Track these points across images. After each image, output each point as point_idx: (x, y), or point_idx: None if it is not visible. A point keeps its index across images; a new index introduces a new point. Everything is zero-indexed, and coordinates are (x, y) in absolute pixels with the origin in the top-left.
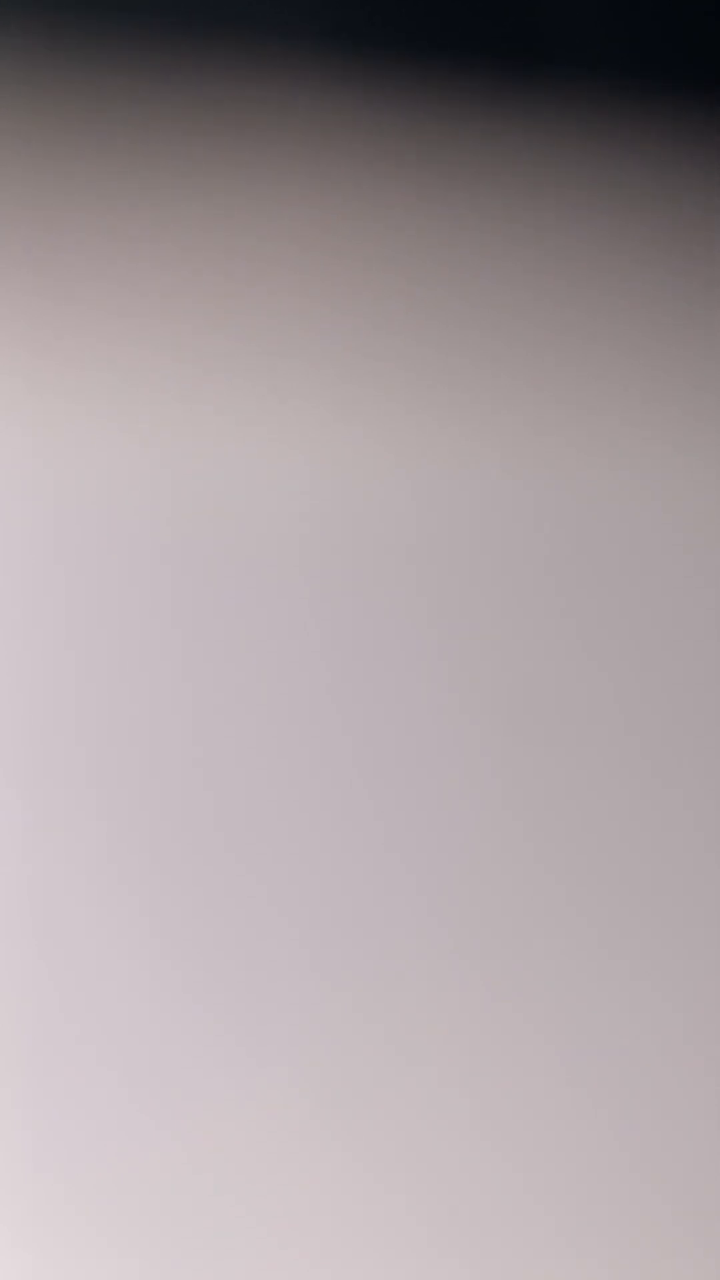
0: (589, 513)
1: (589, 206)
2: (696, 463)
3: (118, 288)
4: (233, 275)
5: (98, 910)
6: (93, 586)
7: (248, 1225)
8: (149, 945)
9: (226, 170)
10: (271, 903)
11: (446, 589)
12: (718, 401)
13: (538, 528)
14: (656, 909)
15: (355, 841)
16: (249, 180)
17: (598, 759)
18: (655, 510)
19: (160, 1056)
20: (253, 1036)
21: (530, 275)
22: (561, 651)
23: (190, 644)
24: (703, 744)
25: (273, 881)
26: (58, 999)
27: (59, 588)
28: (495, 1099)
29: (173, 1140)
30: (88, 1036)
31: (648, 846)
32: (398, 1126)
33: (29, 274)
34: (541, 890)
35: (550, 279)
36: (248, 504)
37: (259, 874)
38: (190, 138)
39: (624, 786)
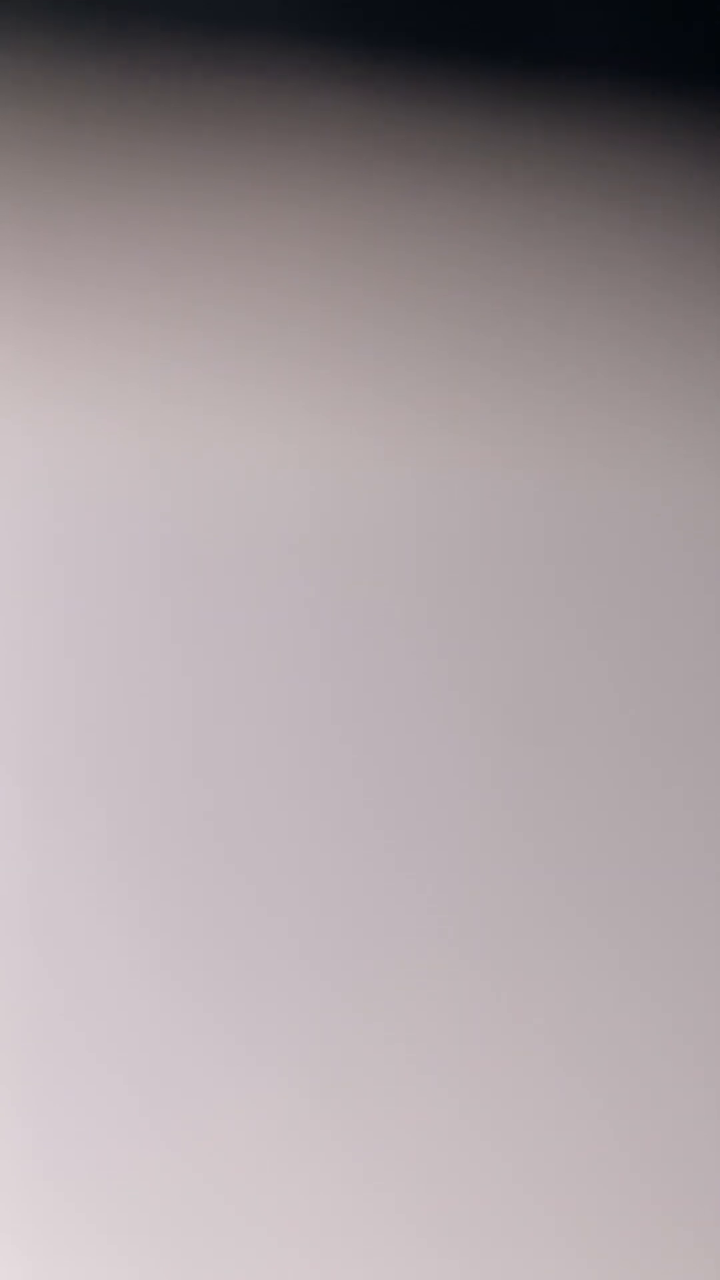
0: (589, 513)
1: (590, 205)
2: (698, 463)
3: (117, 287)
4: (232, 275)
5: (98, 910)
6: (92, 587)
7: (247, 1224)
8: (149, 945)
9: (226, 169)
10: (272, 903)
11: (446, 589)
12: (718, 401)
13: (538, 528)
14: (657, 910)
15: (355, 840)
16: (249, 180)
17: (599, 760)
18: (657, 510)
19: (160, 1055)
20: (253, 1035)
21: (531, 274)
22: (562, 651)
23: (189, 643)
24: (705, 745)
25: (273, 881)
26: (57, 999)
27: (59, 589)
28: (495, 1099)
29: (172, 1139)
30: (87, 1035)
31: (648, 847)
32: (398, 1126)
33: (27, 274)
34: (542, 890)
35: (551, 278)
36: (247, 504)
37: (259, 873)
38: (190, 136)
39: (625, 788)
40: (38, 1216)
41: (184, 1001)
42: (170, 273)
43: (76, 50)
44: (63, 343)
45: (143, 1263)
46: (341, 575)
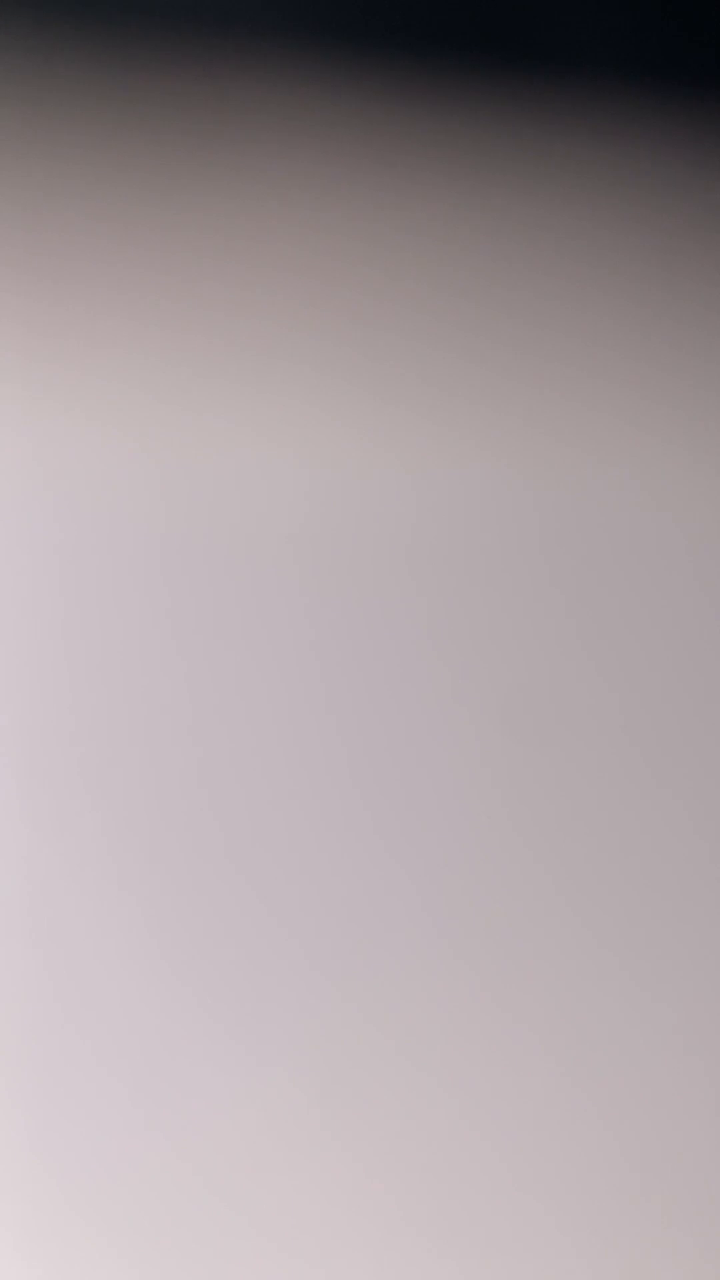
0: (588, 512)
1: (590, 205)
2: (698, 463)
3: (116, 288)
4: (231, 274)
5: (97, 911)
6: (90, 587)
7: (246, 1226)
8: (148, 946)
9: (225, 168)
10: (271, 905)
11: (445, 590)
12: (718, 401)
13: (537, 527)
14: (656, 912)
15: (354, 841)
16: (248, 179)
17: (597, 758)
18: (656, 510)
19: (159, 1057)
20: (252, 1036)
21: (531, 273)
22: (560, 650)
23: (187, 644)
24: (704, 749)
25: (272, 881)
26: (57, 1000)
27: (57, 589)
28: (495, 1102)
29: (173, 1140)
30: (87, 1037)
31: (647, 852)
32: (398, 1128)
33: (24, 274)
34: (541, 893)
35: (551, 277)
36: (246, 505)
37: (258, 874)
38: (189, 135)
39: (622, 787)
40: (38, 1217)
41: (184, 1002)
42: (168, 272)
43: (76, 49)
44: (60, 342)
45: (142, 1264)
46: (339, 576)
